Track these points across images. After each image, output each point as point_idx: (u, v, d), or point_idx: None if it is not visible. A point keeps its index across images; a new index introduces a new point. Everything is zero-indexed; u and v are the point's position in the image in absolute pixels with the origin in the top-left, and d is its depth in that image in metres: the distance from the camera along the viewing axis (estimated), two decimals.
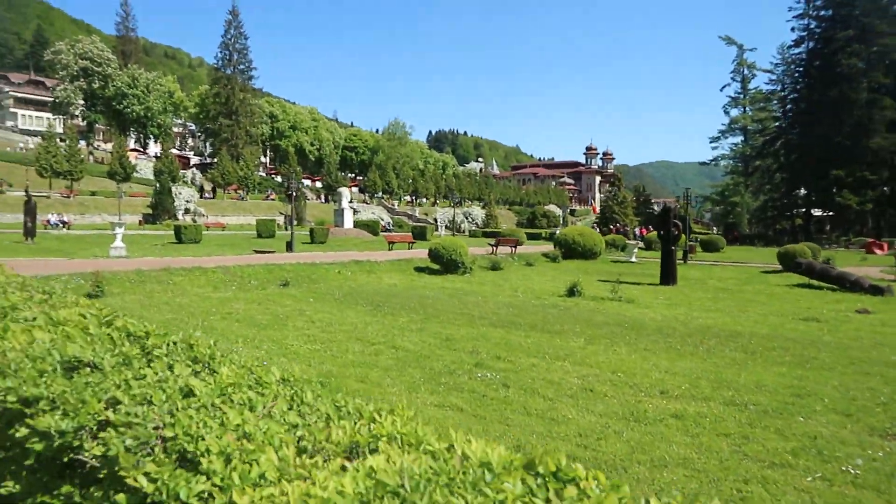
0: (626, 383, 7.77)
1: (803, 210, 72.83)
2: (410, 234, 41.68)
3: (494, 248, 30.96)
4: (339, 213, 45.61)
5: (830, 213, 70.13)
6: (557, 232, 66.01)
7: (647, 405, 6.87)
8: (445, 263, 23.03)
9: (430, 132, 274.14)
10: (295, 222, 66.79)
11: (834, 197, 61.83)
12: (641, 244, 38.59)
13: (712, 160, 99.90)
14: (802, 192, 74.14)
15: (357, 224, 48.33)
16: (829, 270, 23.51)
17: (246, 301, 13.71)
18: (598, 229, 62.76)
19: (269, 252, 28.08)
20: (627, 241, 36.18)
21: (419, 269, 23.69)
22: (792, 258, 28.88)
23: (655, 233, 33.90)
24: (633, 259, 33.66)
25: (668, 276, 23.67)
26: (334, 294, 15.56)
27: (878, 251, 48.85)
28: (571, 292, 17.80)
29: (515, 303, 15.52)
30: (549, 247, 41.89)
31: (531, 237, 62.79)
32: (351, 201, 51.23)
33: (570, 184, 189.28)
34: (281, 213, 71.00)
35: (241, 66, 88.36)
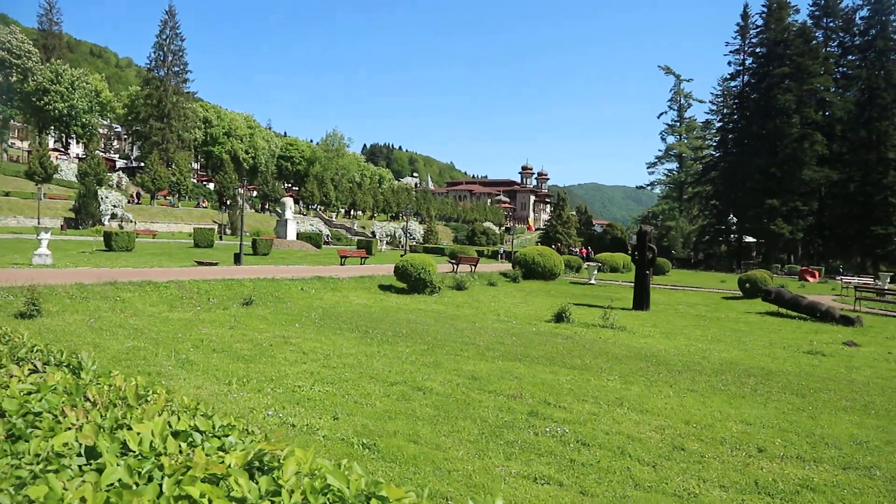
0: (712, 438, 6.56)
1: (734, 236, 74.95)
2: (364, 249, 39.81)
3: (455, 266, 29.68)
4: (283, 224, 43.27)
5: (759, 241, 72.52)
6: (501, 249, 65.65)
7: (761, 471, 5.68)
8: (413, 282, 21.53)
9: (365, 145, 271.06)
10: (229, 231, 63.80)
11: (768, 225, 63.74)
12: (599, 265, 38.01)
13: (648, 184, 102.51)
14: (734, 218, 76.60)
15: (299, 236, 46.05)
16: (799, 300, 23.35)
17: (213, 324, 11.85)
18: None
19: (212, 264, 25.80)
20: (587, 263, 35.54)
21: (384, 287, 22.08)
22: (754, 285, 28.90)
23: (630, 257, 33.46)
24: (593, 281, 33.03)
25: (641, 300, 22.96)
26: (309, 316, 13.83)
27: (810, 279, 50.39)
28: (560, 318, 16.68)
29: (513, 330, 14.19)
30: (506, 266, 41.03)
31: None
32: (304, 214, 48.85)
33: (505, 202, 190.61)
34: (214, 222, 67.58)
35: (176, 69, 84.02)
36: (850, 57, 69.05)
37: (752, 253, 75.61)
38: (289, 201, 45.12)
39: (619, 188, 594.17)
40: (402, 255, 39.61)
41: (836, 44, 71.01)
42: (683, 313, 22.75)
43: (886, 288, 31.54)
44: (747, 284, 28.77)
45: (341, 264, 30.80)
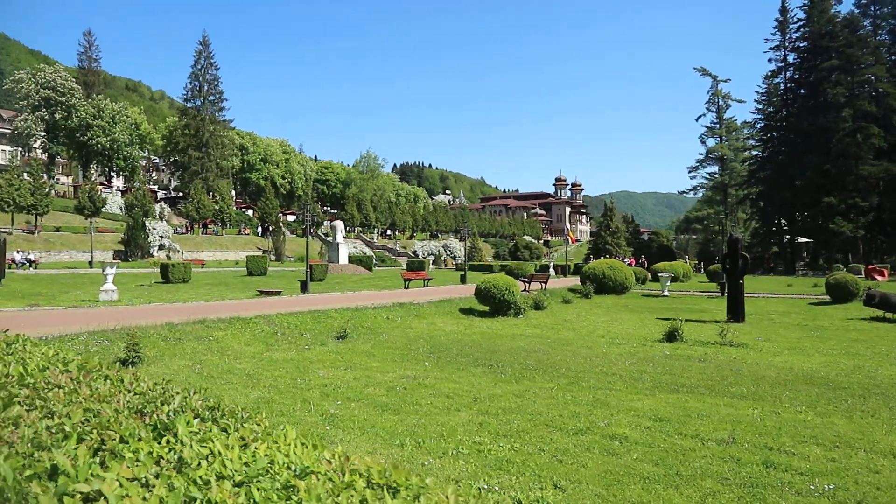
0: None
1: (787, 237, 72.47)
2: (425, 271, 38.89)
3: (527, 285, 28.54)
4: (334, 248, 42.56)
5: (810, 241, 69.94)
6: (551, 263, 64.33)
7: None
8: (497, 304, 20.44)
9: (395, 165, 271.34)
10: (273, 258, 63.45)
11: (825, 224, 61.33)
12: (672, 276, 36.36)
13: (691, 189, 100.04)
14: (783, 220, 74.06)
15: (351, 259, 45.35)
16: None
17: (323, 364, 10.92)
18: (591, 259, 61.12)
19: (275, 293, 25.10)
20: (660, 274, 34.02)
21: (465, 311, 21.02)
22: (845, 289, 27.20)
23: (719, 265, 31.93)
24: (666, 293, 31.56)
25: (737, 312, 21.51)
26: (416, 349, 12.84)
27: (878, 277, 47.98)
28: (672, 337, 15.42)
29: (636, 353, 13.01)
30: (565, 280, 39.78)
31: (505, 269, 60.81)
32: (345, 236, 48.25)
33: (541, 214, 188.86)
34: (259, 248, 67.50)
35: (212, 98, 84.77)
36: None
37: (804, 254, 72.97)
38: (339, 225, 44.46)
39: (650, 195, 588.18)
40: (461, 275, 38.84)
41: (885, 31, 68.51)
42: (784, 324, 21.25)
43: None
44: (837, 288, 27.05)
45: (405, 287, 29.88)
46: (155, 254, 53.47)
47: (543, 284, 29.88)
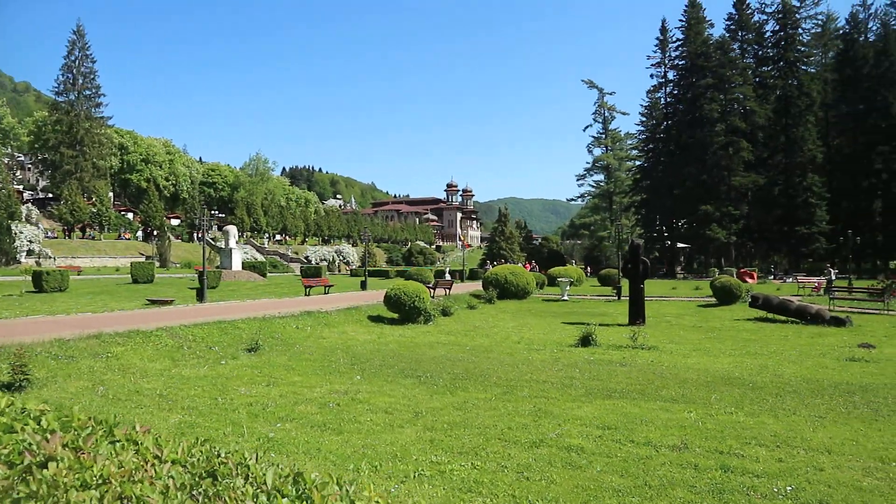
0: None
1: (668, 243, 76.95)
2: (325, 277, 37.77)
3: (433, 290, 28.35)
4: (227, 254, 40.46)
5: (688, 246, 74.75)
6: (447, 269, 64.59)
7: None
8: (407, 312, 20.09)
9: (285, 168, 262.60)
10: (157, 264, 59.66)
11: (703, 230, 65.69)
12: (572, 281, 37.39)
13: (579, 196, 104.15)
14: (663, 227, 78.75)
15: (244, 266, 43.40)
16: (787, 304, 23.44)
17: (241, 380, 10.15)
18: (489, 265, 62.06)
19: (167, 302, 23.37)
20: (559, 279, 34.90)
21: (374, 319, 20.52)
22: (730, 292, 29.05)
23: (611, 270, 33.00)
24: (566, 297, 32.43)
25: (638, 315, 22.39)
26: (336, 361, 12.26)
27: (749, 280, 51.87)
28: (586, 341, 15.73)
29: (560, 359, 13.08)
30: (470, 285, 40.01)
31: (402, 274, 60.92)
32: (237, 241, 46.07)
33: (433, 220, 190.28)
34: (142, 254, 63.32)
35: (88, 92, 78.60)
36: (764, 68, 72.65)
37: (681, 258, 77.94)
38: (232, 229, 42.29)
39: (537, 201, 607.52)
40: (362, 282, 38.01)
41: (751, 56, 74.63)
42: (682, 325, 22.36)
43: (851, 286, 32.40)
44: (723, 291, 28.88)
45: (306, 294, 28.87)
46: (23, 260, 48.80)
47: (447, 290, 29.87)
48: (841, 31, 74.22)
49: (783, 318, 23.34)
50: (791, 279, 53.61)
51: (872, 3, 74.00)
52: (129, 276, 36.83)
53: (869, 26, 72.09)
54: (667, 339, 17.74)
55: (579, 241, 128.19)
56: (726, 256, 72.61)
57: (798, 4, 70.97)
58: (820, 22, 76.82)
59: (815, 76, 70.68)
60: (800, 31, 71.27)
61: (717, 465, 6.02)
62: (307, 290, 29.95)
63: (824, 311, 22.40)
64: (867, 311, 25.61)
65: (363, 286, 36.62)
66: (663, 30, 78.79)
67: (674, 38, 77.25)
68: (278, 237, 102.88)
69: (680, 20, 74.98)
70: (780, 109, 68.48)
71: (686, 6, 73.74)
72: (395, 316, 20.61)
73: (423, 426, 7.28)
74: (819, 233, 64.38)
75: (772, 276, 59.37)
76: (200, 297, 23.59)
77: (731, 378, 11.04)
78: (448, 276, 55.77)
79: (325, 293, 30.63)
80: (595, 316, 25.78)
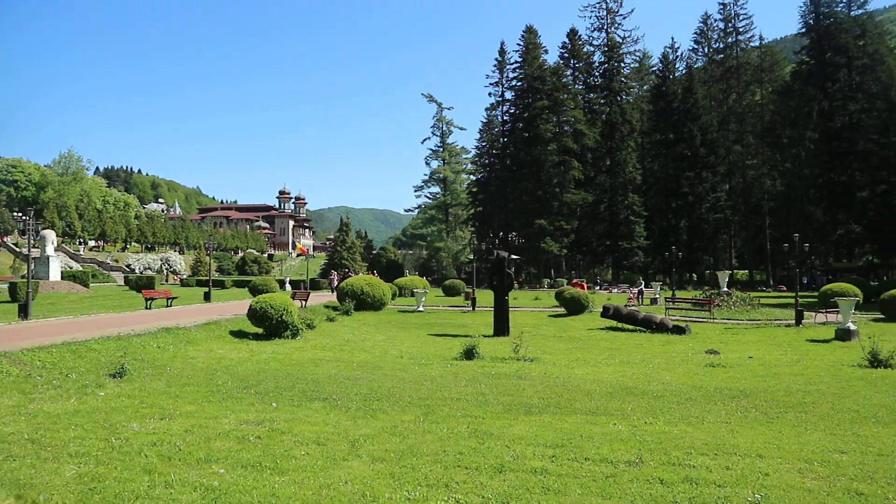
0: (879, 476, 6.02)
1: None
2: (167, 289, 34.38)
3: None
4: (44, 262, 35.51)
5: (522, 258, 78.78)
6: (287, 278, 62.17)
7: None
8: (274, 326, 18.76)
9: (99, 168, 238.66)
10: None
11: (538, 243, 69.41)
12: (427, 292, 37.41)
13: (416, 207, 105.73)
14: (496, 239, 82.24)
15: (64, 276, 38.45)
16: (635, 314, 25.15)
17: (123, 413, 8.65)
18: (333, 274, 60.60)
19: None
20: (415, 291, 34.75)
21: (236, 334, 18.93)
22: (578, 303, 30.65)
23: (455, 281, 33.26)
24: (421, 308, 32.38)
25: (503, 326, 22.81)
26: (222, 384, 10.96)
27: (580, 290, 55.53)
28: (470, 354, 15.62)
29: (460, 374, 12.76)
30: (318, 296, 38.58)
31: (240, 284, 58.57)
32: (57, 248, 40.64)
33: (265, 227, 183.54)
34: None
35: None
36: (593, 94, 78.77)
37: (512, 269, 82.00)
38: (50, 234, 37.20)
39: (368, 210, 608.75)
40: (206, 293, 35.08)
41: (582, 83, 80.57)
42: (544, 335, 23.11)
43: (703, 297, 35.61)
44: (573, 302, 30.43)
45: (147, 308, 26.13)
46: None
47: (304, 302, 28.58)
48: (654, 68, 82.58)
49: (631, 327, 25.03)
50: (617, 290, 58.15)
51: (679, 47, 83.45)
52: None
53: (676, 66, 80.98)
54: (541, 350, 18.17)
55: (411, 252, 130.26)
56: (557, 268, 77.27)
57: (620, 41, 77.87)
58: (638, 58, 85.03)
59: (634, 105, 77.87)
60: (622, 64, 78.20)
61: (679, 478, 6.02)
62: (148, 302, 27.11)
63: (667, 321, 24.34)
64: (697, 319, 28.24)
65: (207, 298, 33.98)
66: (502, 52, 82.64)
67: (512, 61, 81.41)
68: (93, 243, 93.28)
69: (518, 44, 79.20)
70: (606, 133, 74.46)
71: (524, 32, 77.88)
72: (260, 331, 19.20)
73: (370, 458, 6.58)
74: (638, 247, 70.62)
75: (597, 287, 63.92)
76: (24, 313, 20.30)
77: (628, 388, 11.41)
78: (288, 286, 53.67)
79: (167, 306, 27.96)
80: (456, 327, 25.97)
